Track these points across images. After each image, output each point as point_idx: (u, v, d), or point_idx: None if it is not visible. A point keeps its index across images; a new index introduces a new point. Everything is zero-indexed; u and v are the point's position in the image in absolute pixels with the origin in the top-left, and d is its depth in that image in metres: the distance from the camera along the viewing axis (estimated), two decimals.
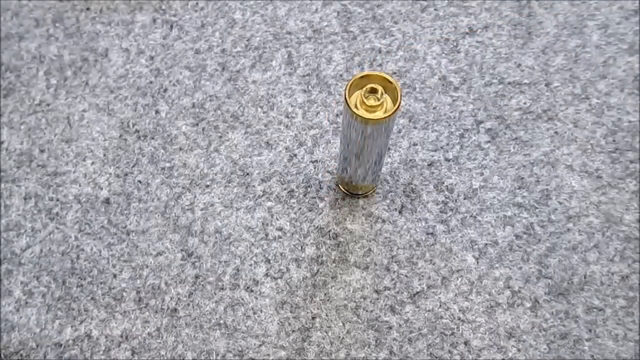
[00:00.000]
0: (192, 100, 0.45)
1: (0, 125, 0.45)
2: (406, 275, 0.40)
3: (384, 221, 0.41)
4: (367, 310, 0.39)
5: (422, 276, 0.40)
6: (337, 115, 0.44)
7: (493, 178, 0.42)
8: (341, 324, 0.39)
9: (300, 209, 0.42)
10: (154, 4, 0.48)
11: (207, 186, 0.43)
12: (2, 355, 0.39)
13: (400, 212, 0.42)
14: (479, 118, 0.44)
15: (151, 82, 0.46)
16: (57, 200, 0.43)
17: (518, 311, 0.39)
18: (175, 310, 0.40)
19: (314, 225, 0.42)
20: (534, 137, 0.43)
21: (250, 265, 0.41)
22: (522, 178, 0.42)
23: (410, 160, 0.43)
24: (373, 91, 0.32)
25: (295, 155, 0.43)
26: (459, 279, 0.40)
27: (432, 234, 0.41)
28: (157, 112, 0.45)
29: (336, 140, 0.44)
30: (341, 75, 0.45)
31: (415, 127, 0.44)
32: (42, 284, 0.41)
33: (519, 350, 0.38)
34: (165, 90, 0.45)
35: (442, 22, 0.47)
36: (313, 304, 0.40)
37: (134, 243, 0.42)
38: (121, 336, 0.39)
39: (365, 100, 0.32)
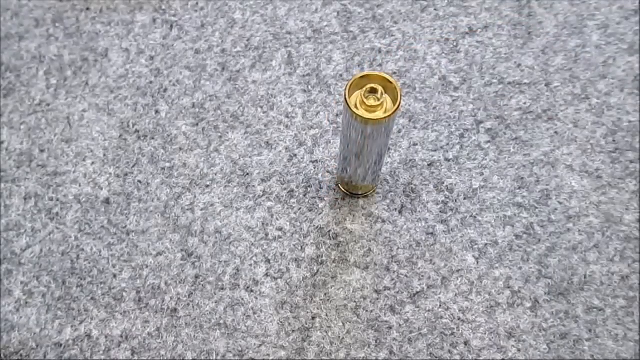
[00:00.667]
0: (192, 100, 0.45)
1: (0, 125, 0.45)
2: (406, 275, 0.40)
3: (384, 221, 0.41)
4: (367, 310, 0.39)
5: (422, 276, 0.40)
6: (337, 115, 0.44)
7: (493, 178, 0.42)
8: (341, 324, 0.39)
9: (300, 209, 0.42)
10: (154, 4, 0.48)
11: (207, 186, 0.43)
12: (2, 355, 0.39)
13: (400, 212, 0.42)
14: (479, 118, 0.44)
15: (151, 82, 0.46)
16: (57, 200, 0.43)
17: (518, 311, 0.39)
18: (175, 310, 0.40)
19: (314, 225, 0.42)
20: (534, 137, 0.43)
21: (250, 265, 0.41)
22: (522, 178, 0.42)
23: (410, 160, 0.43)
24: (373, 91, 0.32)
25: (295, 155, 0.43)
26: (459, 279, 0.40)
27: (432, 234, 0.41)
28: (157, 112, 0.45)
29: (336, 140, 0.44)
30: (341, 75, 0.45)
31: (415, 127, 0.44)
32: (42, 284, 0.41)
33: (519, 350, 0.38)
34: (165, 90, 0.45)
35: (442, 22, 0.47)
36: (313, 304, 0.40)
37: (134, 243, 0.42)
38: (121, 336, 0.39)
39: (365, 100, 0.32)
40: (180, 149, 0.44)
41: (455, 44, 0.46)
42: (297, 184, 0.43)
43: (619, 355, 0.38)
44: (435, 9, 0.47)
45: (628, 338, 0.39)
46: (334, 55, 0.46)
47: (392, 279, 0.40)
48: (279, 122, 0.44)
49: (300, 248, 0.41)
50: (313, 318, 0.39)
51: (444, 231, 0.41)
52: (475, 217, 0.41)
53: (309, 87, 0.45)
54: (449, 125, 0.44)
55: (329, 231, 0.41)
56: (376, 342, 0.39)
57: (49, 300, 0.40)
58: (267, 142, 0.44)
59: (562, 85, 0.45)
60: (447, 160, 0.43)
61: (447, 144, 0.43)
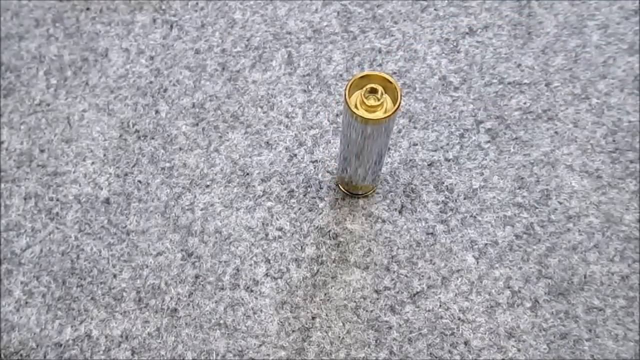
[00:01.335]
0: (192, 100, 0.45)
1: (0, 125, 0.45)
2: (406, 275, 0.40)
3: (384, 221, 0.41)
4: (367, 310, 0.39)
5: (422, 276, 0.40)
6: (337, 115, 0.44)
7: (493, 178, 0.42)
8: (341, 324, 0.39)
9: (300, 209, 0.42)
10: (154, 4, 0.48)
11: (207, 186, 0.43)
12: (2, 355, 0.39)
13: (400, 212, 0.42)
14: (479, 118, 0.44)
15: (151, 82, 0.46)
16: (57, 200, 0.43)
17: (518, 311, 0.39)
18: (175, 310, 0.40)
19: (314, 225, 0.42)
20: (534, 137, 0.43)
21: (250, 265, 0.41)
22: (522, 178, 0.42)
23: (410, 160, 0.43)
24: (373, 91, 0.32)
25: (295, 155, 0.43)
26: (459, 279, 0.40)
27: (432, 234, 0.41)
28: (157, 112, 0.45)
29: (336, 140, 0.44)
30: (341, 75, 0.45)
31: (415, 127, 0.44)
32: (42, 284, 0.41)
33: (519, 350, 0.38)
34: (165, 90, 0.45)
35: (442, 22, 0.47)
36: (313, 304, 0.40)
37: (134, 243, 0.42)
38: (121, 336, 0.39)
39: (365, 100, 0.32)
40: (180, 149, 0.44)
41: (455, 44, 0.46)
42: (297, 184, 0.43)
43: (619, 355, 0.38)
44: (435, 9, 0.47)
45: (628, 338, 0.39)
46: (334, 55, 0.46)
47: (392, 279, 0.40)
48: (279, 122, 0.44)
49: (300, 248, 0.41)
50: (313, 318, 0.39)
51: (444, 231, 0.41)
52: (475, 217, 0.41)
53: (309, 87, 0.45)
54: (449, 125, 0.44)
55: (329, 231, 0.41)
56: (376, 342, 0.39)
57: (49, 300, 0.40)
58: (267, 142, 0.44)
59: (562, 85, 0.45)
60: (447, 160, 0.43)
61: (447, 144, 0.43)
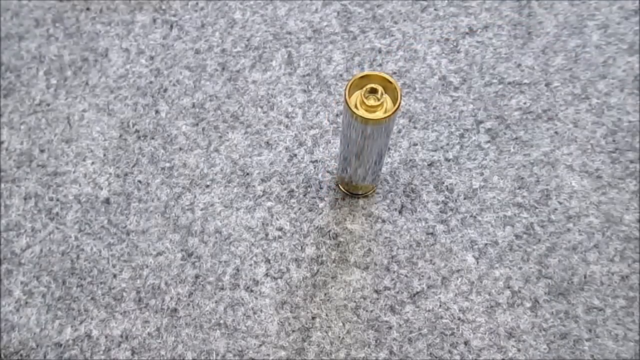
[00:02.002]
0: (192, 100, 0.45)
1: (0, 125, 0.45)
2: (406, 275, 0.40)
3: (384, 221, 0.41)
4: (367, 310, 0.39)
5: (422, 276, 0.40)
6: (337, 115, 0.44)
7: (493, 178, 0.42)
8: (341, 324, 0.39)
9: (300, 209, 0.42)
10: (154, 4, 0.48)
11: (207, 186, 0.43)
12: (2, 355, 0.39)
13: (400, 212, 0.42)
14: (479, 118, 0.44)
15: (151, 82, 0.46)
16: (57, 200, 0.43)
17: (518, 311, 0.39)
18: (175, 310, 0.40)
19: (314, 225, 0.42)
20: (534, 137, 0.43)
21: (250, 265, 0.41)
22: (522, 178, 0.42)
23: (410, 160, 0.43)
24: (373, 91, 0.32)
25: (295, 155, 0.43)
26: (459, 279, 0.40)
27: (432, 234, 0.41)
28: (157, 112, 0.45)
29: (336, 140, 0.44)
30: (341, 75, 0.45)
31: (415, 127, 0.44)
32: (42, 284, 0.41)
33: (519, 350, 0.38)
34: (165, 90, 0.45)
35: (442, 22, 0.47)
36: (313, 304, 0.40)
37: (134, 243, 0.42)
38: (121, 336, 0.39)
39: (365, 100, 0.32)
40: (180, 149, 0.44)
41: (455, 44, 0.46)
42: (297, 184, 0.43)
43: (619, 355, 0.38)
44: (435, 9, 0.47)
45: (628, 338, 0.39)
46: (334, 55, 0.46)
47: (392, 279, 0.40)
48: (279, 122, 0.44)
49: (300, 248, 0.41)
50: (313, 318, 0.39)
51: (444, 231, 0.41)
52: (475, 217, 0.41)
53: (309, 87, 0.45)
54: (449, 125, 0.44)
55: (329, 231, 0.41)
56: (376, 342, 0.39)
57: (49, 300, 0.40)
58: (267, 142, 0.44)
59: (562, 85, 0.45)
60: (447, 160, 0.43)
61: (447, 144, 0.43)
